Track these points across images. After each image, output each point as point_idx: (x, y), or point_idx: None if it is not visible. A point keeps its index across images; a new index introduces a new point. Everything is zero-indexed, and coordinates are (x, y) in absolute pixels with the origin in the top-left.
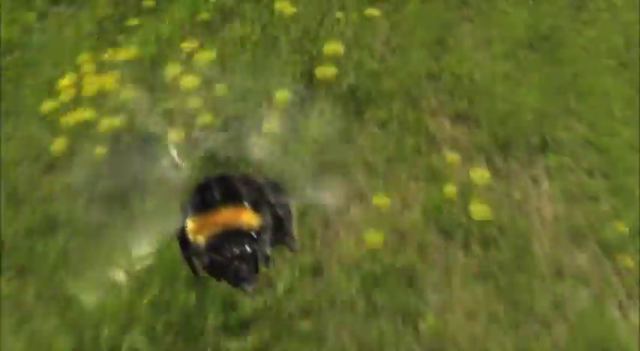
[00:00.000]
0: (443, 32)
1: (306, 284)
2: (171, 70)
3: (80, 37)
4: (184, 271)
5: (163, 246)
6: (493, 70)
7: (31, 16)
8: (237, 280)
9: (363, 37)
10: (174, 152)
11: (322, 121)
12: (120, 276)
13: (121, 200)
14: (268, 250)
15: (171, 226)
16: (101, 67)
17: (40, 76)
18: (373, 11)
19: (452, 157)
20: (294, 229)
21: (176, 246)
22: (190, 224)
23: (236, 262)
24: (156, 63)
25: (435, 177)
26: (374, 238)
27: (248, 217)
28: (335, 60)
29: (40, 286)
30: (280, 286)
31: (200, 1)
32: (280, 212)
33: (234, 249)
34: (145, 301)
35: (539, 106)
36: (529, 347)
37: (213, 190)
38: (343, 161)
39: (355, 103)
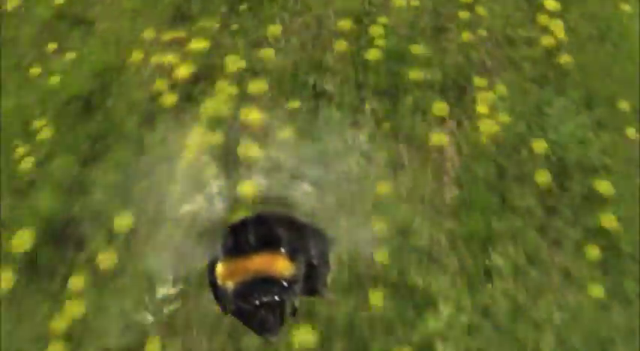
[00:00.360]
0: None
1: None
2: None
3: None
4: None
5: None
6: None
7: None
8: (261, 330)
9: None
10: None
11: None
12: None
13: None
14: (297, 301)
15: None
16: None
17: None
18: None
19: None
20: (329, 278)
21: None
22: (220, 268)
23: (263, 312)
24: None
25: None
26: None
27: (282, 266)
28: None
29: None
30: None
31: None
32: (317, 261)
33: (263, 298)
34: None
35: None
36: None
37: (248, 232)
38: None
39: None
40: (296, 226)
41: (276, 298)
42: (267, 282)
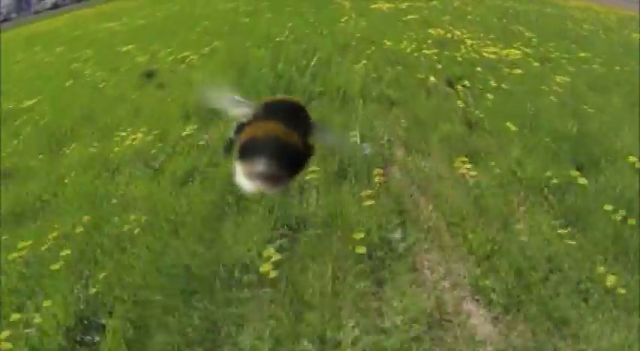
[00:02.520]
0: None
1: None
2: None
3: None
4: None
5: None
6: None
7: None
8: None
9: None
10: None
11: None
12: None
13: None
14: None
15: None
16: None
17: None
18: None
19: None
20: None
21: None
22: (242, 127)
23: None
24: None
25: None
26: None
27: (289, 135)
28: None
29: None
30: None
31: None
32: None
33: (263, 151)
34: None
35: None
36: None
37: (276, 107)
38: None
39: None
40: (306, 114)
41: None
42: (272, 141)
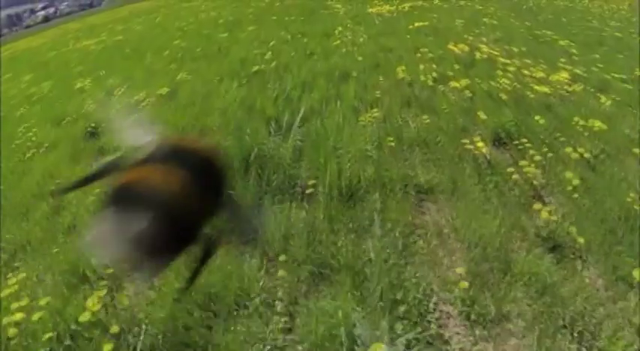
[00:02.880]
0: None
1: None
2: None
3: None
4: None
5: None
6: None
7: None
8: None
9: None
10: None
11: None
12: None
13: None
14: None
15: None
16: None
17: None
18: None
19: None
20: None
21: None
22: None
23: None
24: None
25: None
26: None
27: (165, 179)
28: None
29: None
30: None
31: None
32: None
33: (128, 204)
34: None
35: None
36: None
37: (162, 150)
38: None
39: None
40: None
41: (144, 208)
42: (138, 190)
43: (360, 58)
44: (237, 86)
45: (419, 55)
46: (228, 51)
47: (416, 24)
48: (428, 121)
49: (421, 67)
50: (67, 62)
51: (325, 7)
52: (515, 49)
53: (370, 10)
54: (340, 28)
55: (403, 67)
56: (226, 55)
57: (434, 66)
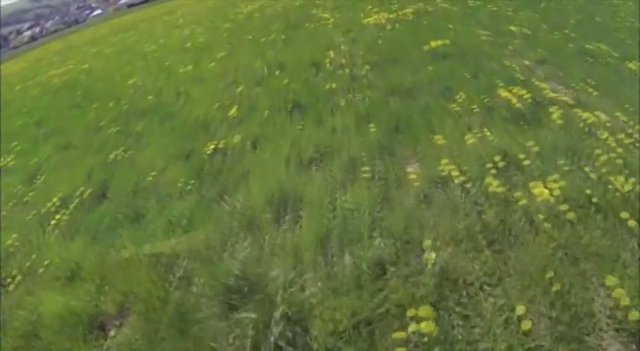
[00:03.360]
0: None
1: None
2: None
3: None
4: None
5: None
6: None
7: None
8: None
9: None
10: None
11: None
12: None
13: None
14: None
15: None
16: None
17: None
18: None
19: None
20: None
21: None
22: None
23: None
24: None
25: None
26: None
27: None
28: None
29: None
30: None
31: None
32: None
33: None
34: None
35: None
36: None
37: None
38: None
39: None
40: None
41: None
42: None
43: (362, 112)
44: (182, 179)
45: (456, 107)
46: (182, 107)
47: (432, 44)
48: None
49: (456, 135)
50: (28, 102)
51: (311, 19)
52: (566, 75)
53: (366, 20)
54: (332, 54)
55: (438, 137)
56: (180, 113)
57: (475, 134)
